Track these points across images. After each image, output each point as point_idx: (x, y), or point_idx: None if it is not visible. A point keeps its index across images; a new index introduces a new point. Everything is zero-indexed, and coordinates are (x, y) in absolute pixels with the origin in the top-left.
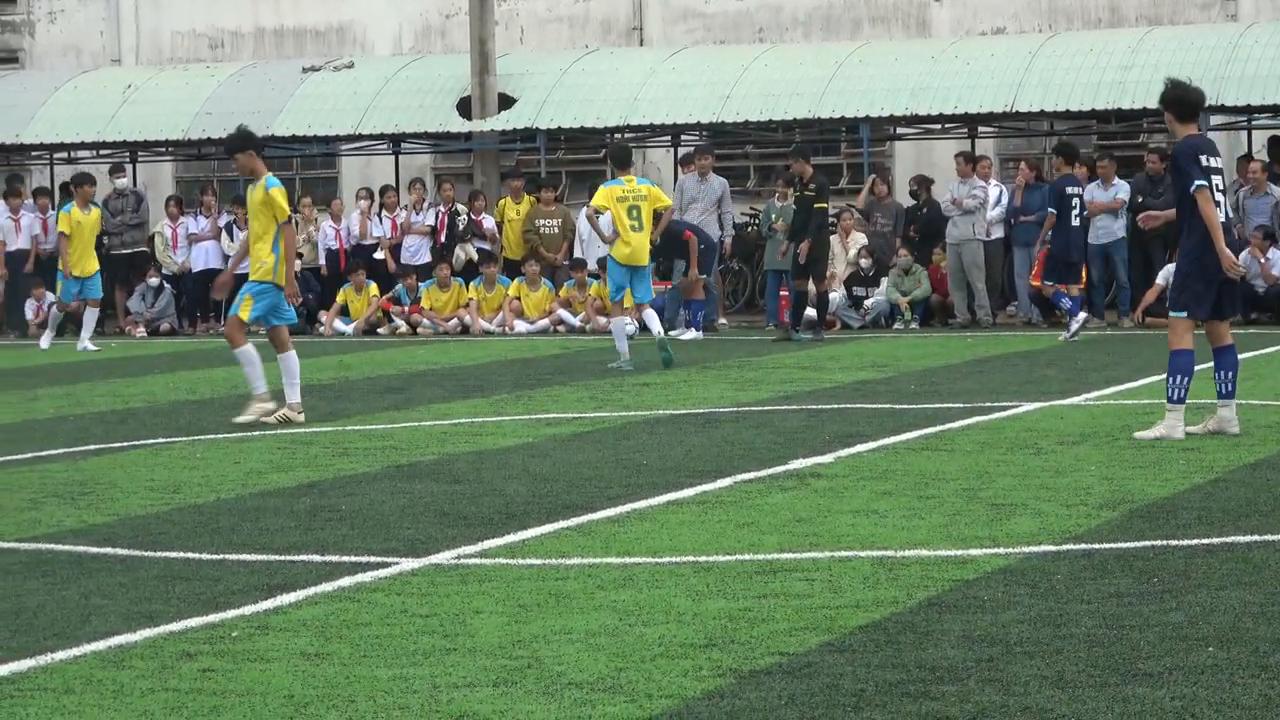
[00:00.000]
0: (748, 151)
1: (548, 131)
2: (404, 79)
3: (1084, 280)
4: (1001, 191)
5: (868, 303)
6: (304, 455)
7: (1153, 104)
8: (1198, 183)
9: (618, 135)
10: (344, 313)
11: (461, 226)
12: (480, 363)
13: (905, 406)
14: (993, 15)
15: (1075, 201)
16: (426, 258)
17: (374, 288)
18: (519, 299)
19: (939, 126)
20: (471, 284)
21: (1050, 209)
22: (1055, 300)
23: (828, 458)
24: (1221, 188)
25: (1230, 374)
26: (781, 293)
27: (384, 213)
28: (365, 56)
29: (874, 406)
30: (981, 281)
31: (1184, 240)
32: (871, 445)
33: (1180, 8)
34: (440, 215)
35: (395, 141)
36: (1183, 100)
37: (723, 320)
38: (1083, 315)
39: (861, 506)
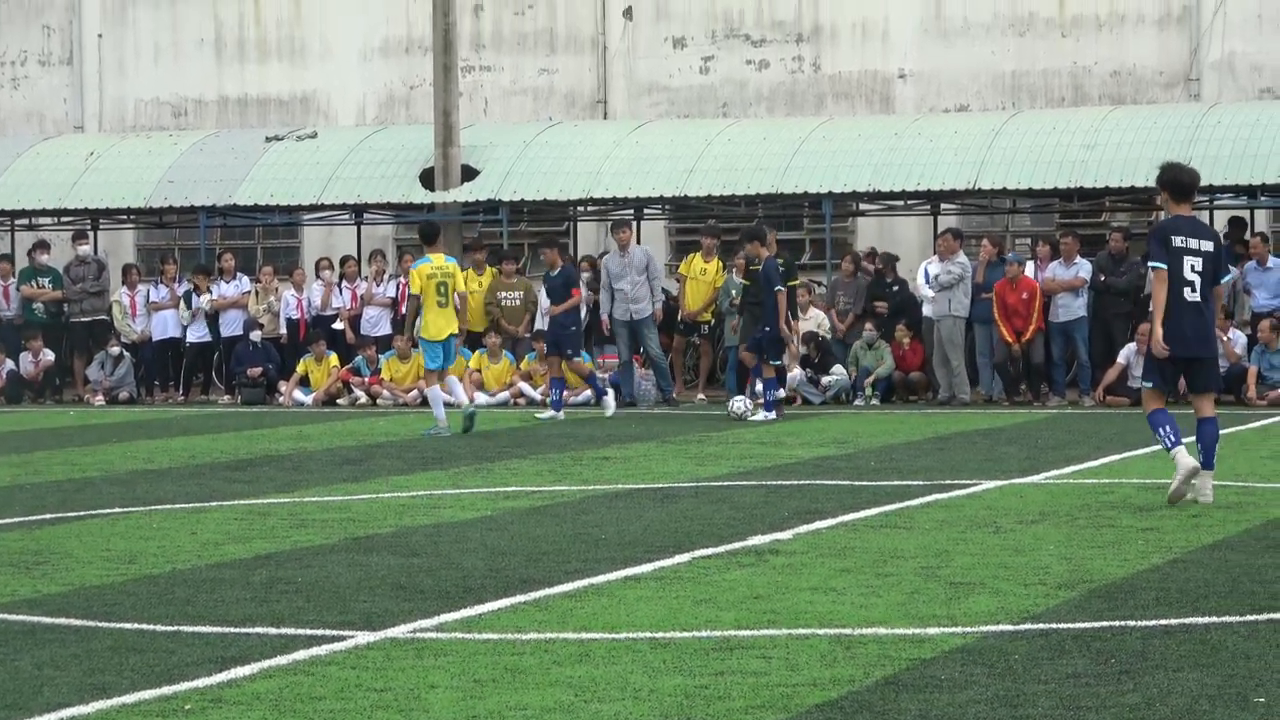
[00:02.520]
0: (711, 226)
1: (510, 204)
2: (367, 149)
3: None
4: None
5: (826, 379)
6: (261, 526)
7: (1115, 182)
8: (1152, 264)
9: (580, 208)
10: (304, 383)
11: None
12: (440, 435)
13: (865, 483)
14: (956, 93)
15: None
16: (387, 329)
17: (334, 358)
18: (479, 371)
19: (902, 203)
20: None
21: (778, 287)
22: (769, 387)
23: (786, 534)
24: (1198, 269)
25: (1207, 444)
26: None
27: (344, 283)
28: (329, 126)
29: (834, 483)
30: (960, 359)
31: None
32: (831, 522)
33: (1143, 87)
34: (401, 287)
35: (357, 212)
36: (1177, 181)
37: (703, 396)
38: (773, 415)
39: (820, 584)
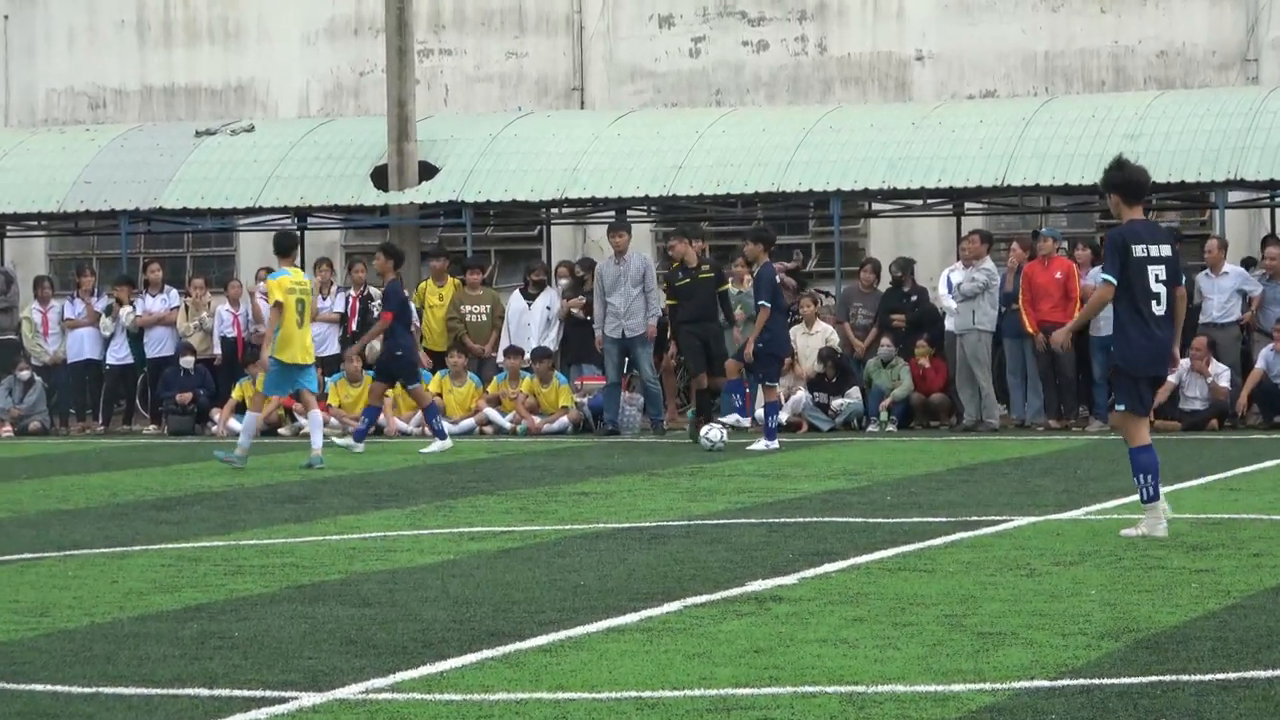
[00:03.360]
0: (695, 228)
1: (475, 205)
2: (311, 144)
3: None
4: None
5: (836, 403)
6: (191, 574)
7: (1163, 177)
8: (1103, 276)
9: (554, 210)
10: (240, 410)
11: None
12: (395, 468)
13: (880, 520)
14: (982, 76)
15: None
16: (335, 348)
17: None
18: (441, 395)
19: (920, 202)
20: (437, 375)
21: (763, 301)
22: (770, 411)
23: (791, 579)
24: (1162, 278)
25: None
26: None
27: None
28: (267, 118)
29: (844, 520)
30: (987, 379)
31: (1117, 332)
32: (841, 565)
33: (1194, 69)
34: (351, 300)
35: (300, 215)
36: (1132, 182)
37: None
38: (775, 445)
39: (829, 635)
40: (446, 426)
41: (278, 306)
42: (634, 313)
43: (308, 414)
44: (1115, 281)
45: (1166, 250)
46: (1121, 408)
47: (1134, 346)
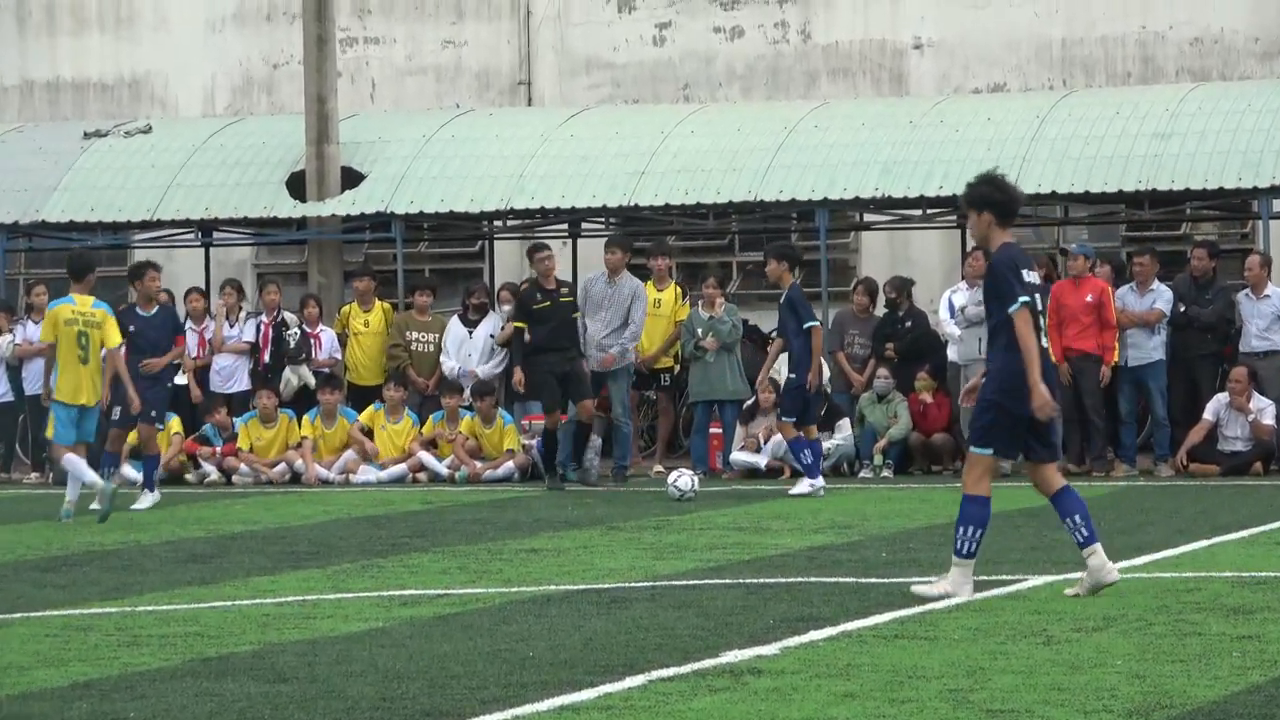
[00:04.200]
0: (661, 244)
1: (406, 218)
2: (217, 148)
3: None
4: None
5: (824, 445)
6: (80, 645)
7: (1197, 183)
8: (1021, 299)
9: (498, 223)
10: (136, 455)
11: (291, 342)
12: (315, 522)
13: (874, 580)
14: (989, 67)
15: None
16: (245, 384)
17: (175, 423)
18: (371, 432)
19: (919, 212)
20: (305, 418)
21: (812, 322)
22: (794, 450)
23: (772, 648)
24: (1040, 308)
25: (1079, 517)
26: (712, 429)
27: (188, 324)
28: (166, 118)
29: (833, 580)
30: None
31: (993, 365)
32: (830, 631)
33: (1232, 58)
34: (263, 328)
35: (204, 230)
36: (1006, 200)
37: (661, 468)
38: (820, 482)
39: (815, 713)
40: (372, 474)
41: (49, 346)
42: (612, 342)
43: (63, 457)
44: (1029, 300)
45: (1038, 278)
46: (987, 451)
47: (1017, 379)
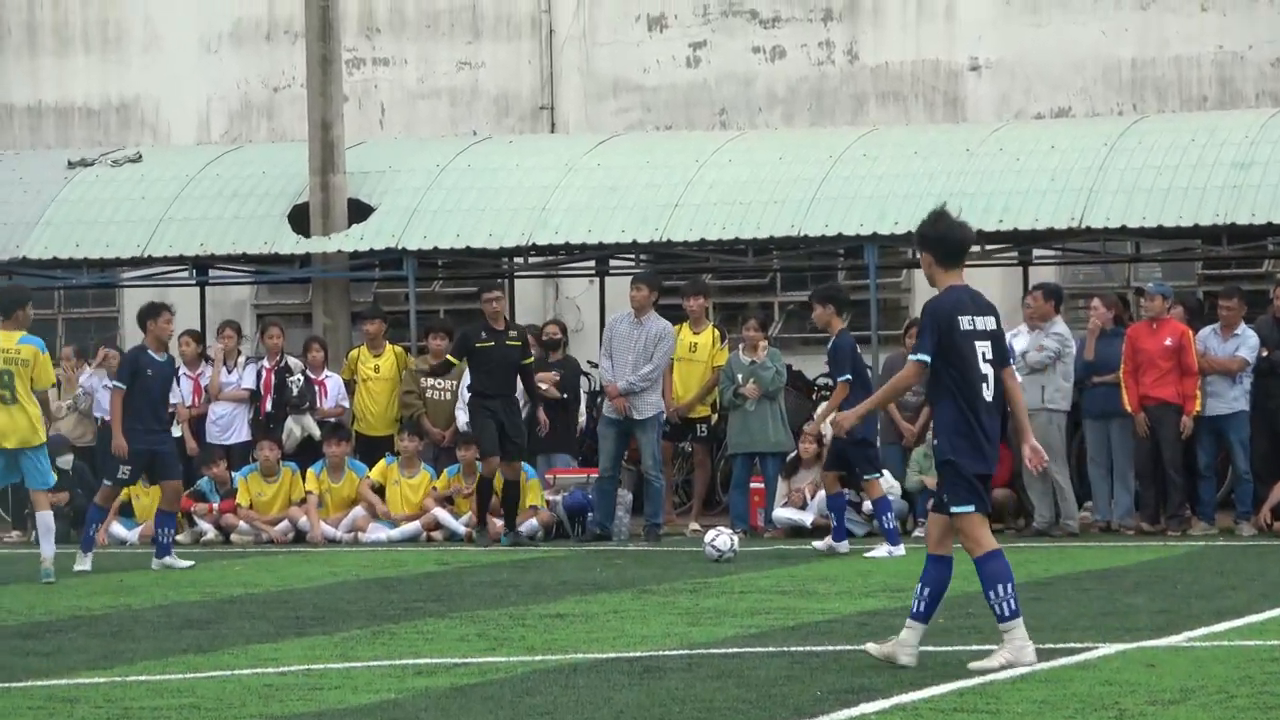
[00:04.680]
0: (698, 282)
1: (419, 254)
2: (213, 178)
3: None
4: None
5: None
6: (65, 718)
7: None
8: (919, 356)
9: (519, 259)
10: (125, 512)
11: (296, 389)
12: (321, 584)
13: (931, 649)
14: (1052, 90)
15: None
16: (245, 435)
17: None
18: (384, 489)
19: (976, 248)
20: (310, 471)
21: (845, 376)
22: (879, 511)
23: None
24: (989, 357)
25: (930, 591)
26: (753, 484)
27: (182, 370)
28: (158, 145)
29: None
30: (1063, 471)
31: (938, 421)
32: (882, 705)
33: None
34: (264, 373)
35: (200, 267)
36: (951, 240)
37: (698, 526)
38: (899, 549)
39: None
40: (383, 533)
41: None
42: (641, 386)
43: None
44: (927, 360)
45: (992, 324)
46: (968, 509)
47: (959, 432)
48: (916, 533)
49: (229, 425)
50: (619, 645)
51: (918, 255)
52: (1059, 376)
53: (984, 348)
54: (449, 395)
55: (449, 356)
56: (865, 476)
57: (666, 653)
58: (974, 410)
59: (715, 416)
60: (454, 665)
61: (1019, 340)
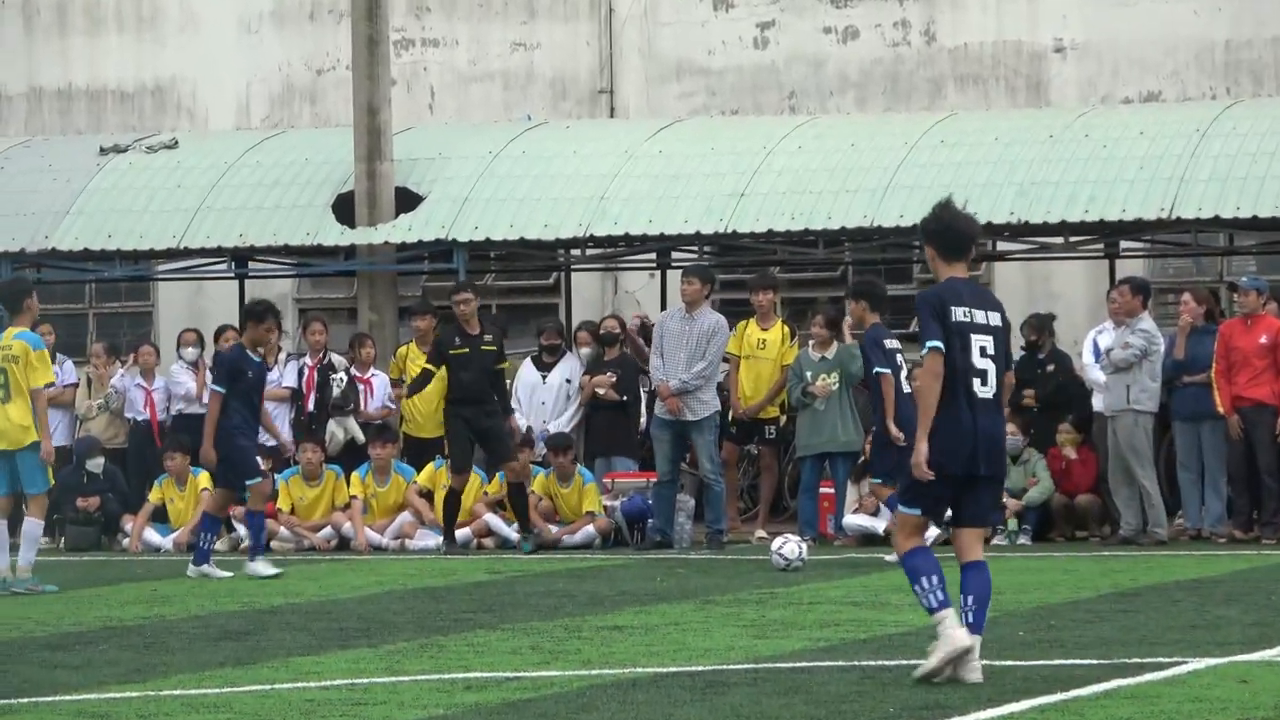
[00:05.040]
0: (768, 275)
1: (470, 245)
2: (253, 166)
3: None
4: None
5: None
6: None
7: None
8: (929, 344)
9: (575, 251)
10: (159, 517)
11: (339, 389)
12: (366, 594)
13: (1011, 663)
14: (1141, 73)
15: (900, 359)
16: (288, 436)
17: (204, 478)
18: (429, 494)
19: (1060, 240)
20: (354, 475)
21: (881, 369)
22: (892, 507)
23: None
24: (990, 352)
25: (974, 600)
26: (823, 488)
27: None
28: (194, 131)
29: None
30: (1150, 475)
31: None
32: None
33: None
34: (307, 371)
35: (239, 259)
36: (952, 232)
37: (764, 534)
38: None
39: None
40: (431, 539)
41: None
42: (697, 385)
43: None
44: (941, 347)
45: (996, 320)
46: (915, 510)
47: (943, 434)
48: (995, 540)
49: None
50: (680, 659)
51: (926, 253)
52: (1146, 376)
53: (983, 341)
54: None
55: (428, 366)
56: (874, 479)
57: (730, 667)
58: (963, 405)
59: (784, 418)
60: (506, 680)
61: (1104, 337)
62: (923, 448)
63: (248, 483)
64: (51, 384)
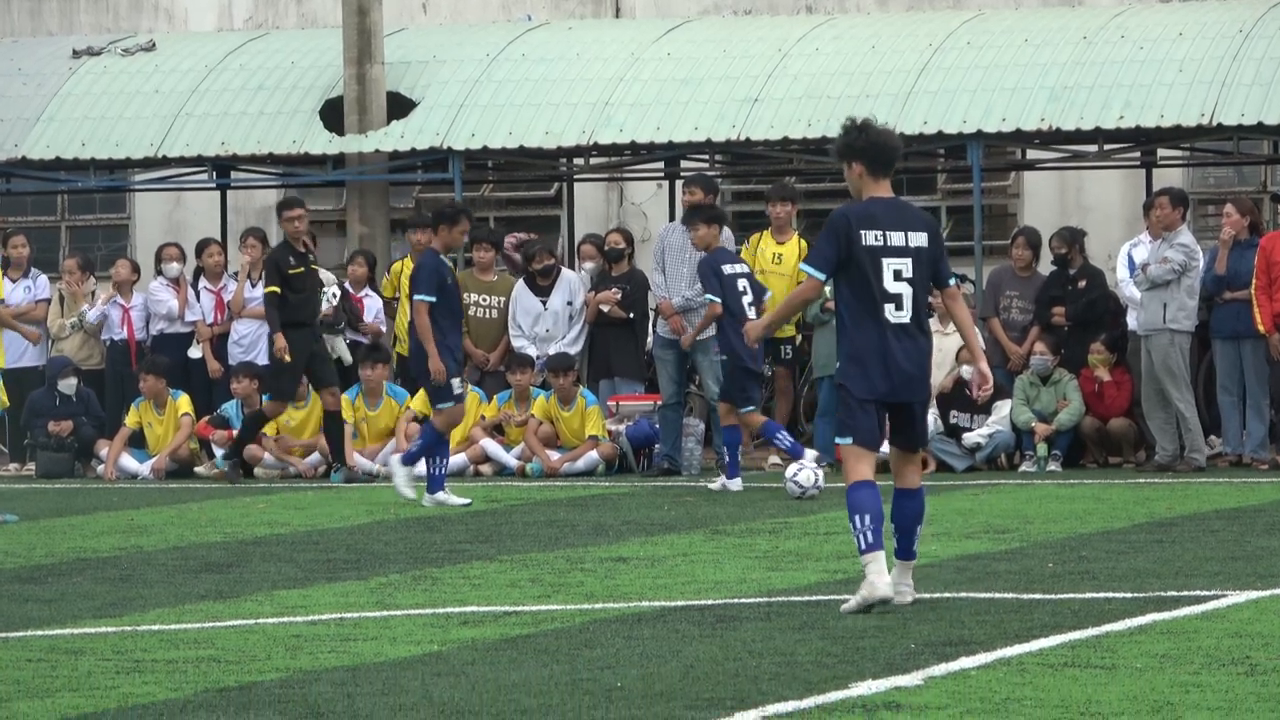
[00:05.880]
0: (785, 186)
1: (466, 154)
2: (235, 69)
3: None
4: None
5: (973, 436)
6: (70, 672)
7: None
8: (807, 268)
9: (578, 160)
10: (137, 442)
11: (329, 305)
12: (355, 524)
13: (1039, 597)
14: None
15: (742, 284)
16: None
17: (185, 402)
18: (424, 419)
19: (1094, 148)
20: (344, 396)
21: (711, 296)
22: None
23: (913, 678)
24: (908, 275)
25: (897, 529)
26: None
27: (202, 283)
28: (173, 32)
29: (987, 596)
30: (1187, 398)
31: (838, 342)
32: (984, 658)
33: None
34: None
35: (220, 169)
36: (878, 148)
37: (778, 460)
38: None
39: None
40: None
41: None
42: (697, 304)
43: None
44: (821, 277)
45: (921, 240)
46: (847, 440)
47: (854, 356)
48: (1024, 467)
49: (253, 345)
50: (689, 592)
51: (844, 169)
52: (1183, 293)
53: (897, 265)
54: (495, 314)
55: (269, 289)
56: (743, 410)
57: (742, 601)
58: (875, 333)
59: (800, 337)
60: (504, 614)
61: (1139, 251)
62: (761, 324)
63: (439, 406)
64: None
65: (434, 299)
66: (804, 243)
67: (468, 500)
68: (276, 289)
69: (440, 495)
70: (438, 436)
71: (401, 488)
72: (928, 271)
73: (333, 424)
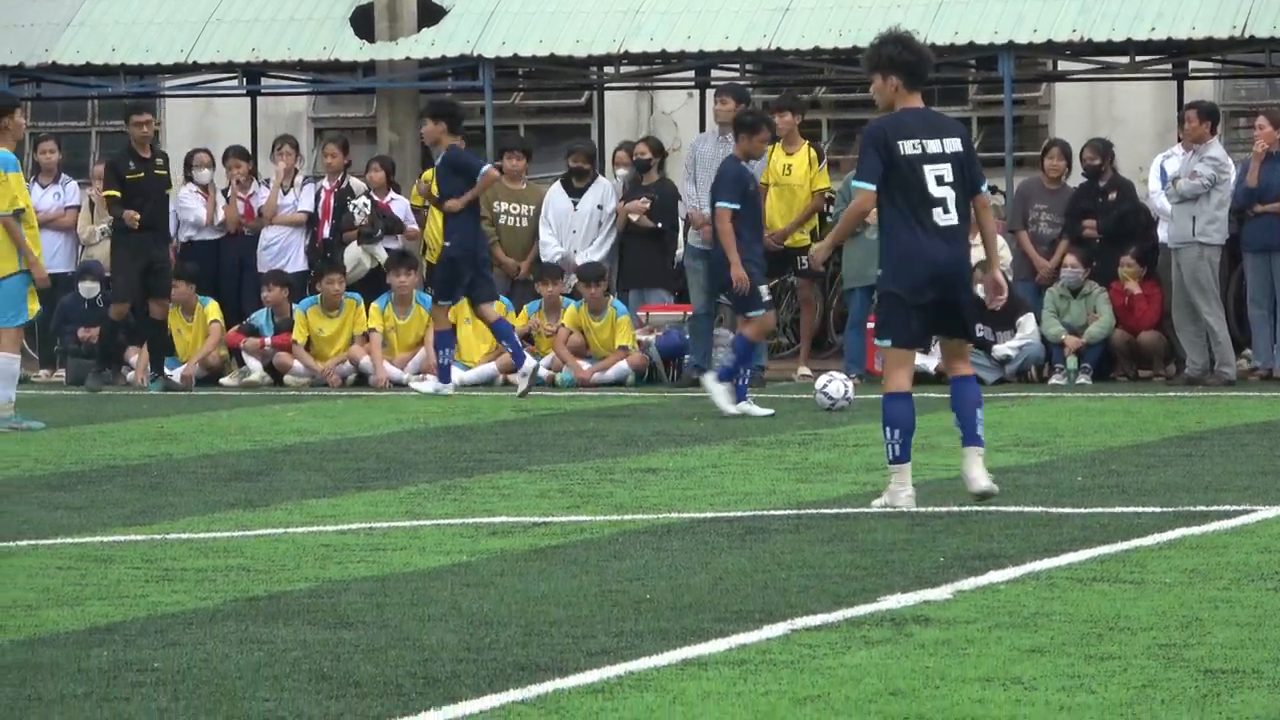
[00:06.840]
0: (819, 98)
1: (497, 62)
2: None
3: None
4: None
5: (1002, 349)
6: (100, 580)
7: None
8: (856, 184)
9: (609, 69)
10: (168, 350)
11: (358, 213)
12: (386, 433)
13: (1067, 511)
14: None
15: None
16: (302, 264)
17: (213, 308)
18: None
19: (1125, 59)
20: (374, 306)
21: (722, 202)
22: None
23: (942, 592)
24: (948, 180)
25: (966, 413)
26: (870, 322)
27: (232, 190)
28: None
29: (1016, 510)
30: (1217, 312)
31: (881, 249)
32: (1014, 572)
33: None
34: (324, 195)
35: (250, 75)
36: (910, 62)
37: (808, 371)
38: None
39: (996, 672)
40: (456, 374)
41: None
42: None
43: None
44: (871, 188)
45: (956, 145)
46: (886, 342)
47: (902, 261)
48: (1054, 380)
49: (283, 251)
50: (718, 504)
51: (873, 81)
52: (1213, 206)
53: (939, 170)
54: (526, 222)
55: (108, 193)
56: (750, 313)
57: (771, 512)
58: (924, 232)
59: (814, 246)
60: (533, 525)
61: (1171, 163)
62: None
63: (749, 314)
64: (21, 209)
65: (738, 205)
66: (813, 152)
67: (770, 410)
68: (116, 192)
69: (744, 405)
70: (750, 347)
71: (722, 403)
72: (966, 175)
73: (154, 332)
